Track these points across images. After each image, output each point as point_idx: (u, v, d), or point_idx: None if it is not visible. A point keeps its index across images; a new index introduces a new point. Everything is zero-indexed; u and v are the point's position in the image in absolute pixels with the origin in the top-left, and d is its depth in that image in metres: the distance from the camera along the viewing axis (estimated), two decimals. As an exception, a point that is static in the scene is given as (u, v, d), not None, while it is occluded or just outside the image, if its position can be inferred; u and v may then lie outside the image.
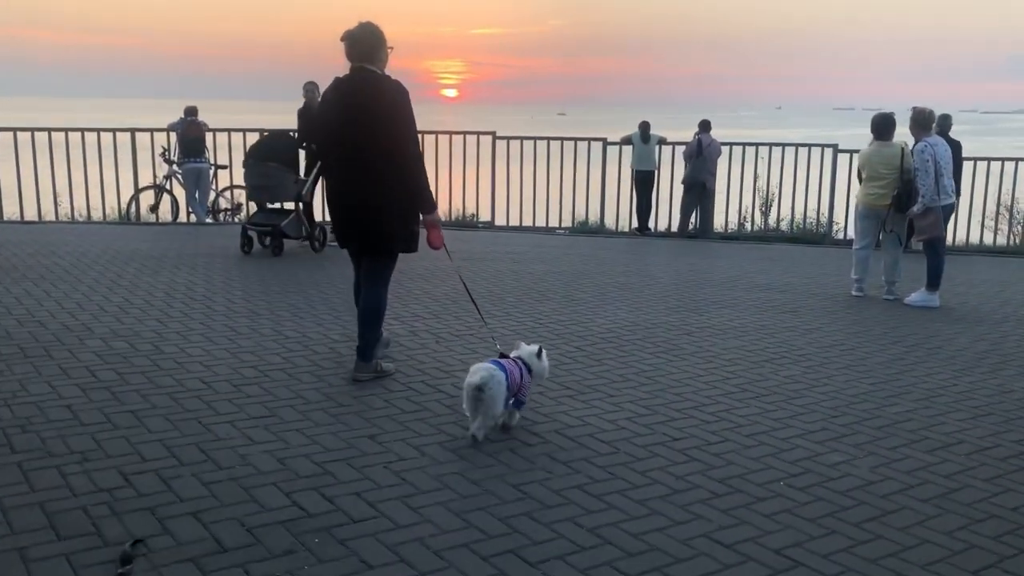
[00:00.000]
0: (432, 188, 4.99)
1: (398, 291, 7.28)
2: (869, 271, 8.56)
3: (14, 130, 12.21)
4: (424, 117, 5.41)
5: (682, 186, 13.33)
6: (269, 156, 9.54)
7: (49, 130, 12.30)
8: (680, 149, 13.52)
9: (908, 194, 8.07)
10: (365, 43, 4.80)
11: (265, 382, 5.00)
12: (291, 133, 10.49)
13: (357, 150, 4.77)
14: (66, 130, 12.41)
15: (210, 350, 5.57)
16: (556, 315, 7.02)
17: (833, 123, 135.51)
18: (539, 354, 4.53)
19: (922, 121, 8.17)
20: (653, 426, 4.56)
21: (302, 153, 10.02)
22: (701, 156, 12.98)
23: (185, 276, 7.99)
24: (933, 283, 8.16)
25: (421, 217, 4.97)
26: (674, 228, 13.62)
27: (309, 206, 10.03)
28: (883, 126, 8.41)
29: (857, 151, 13.23)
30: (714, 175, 13.14)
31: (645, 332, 6.55)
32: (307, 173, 9.80)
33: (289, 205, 9.86)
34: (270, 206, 9.96)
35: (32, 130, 12.22)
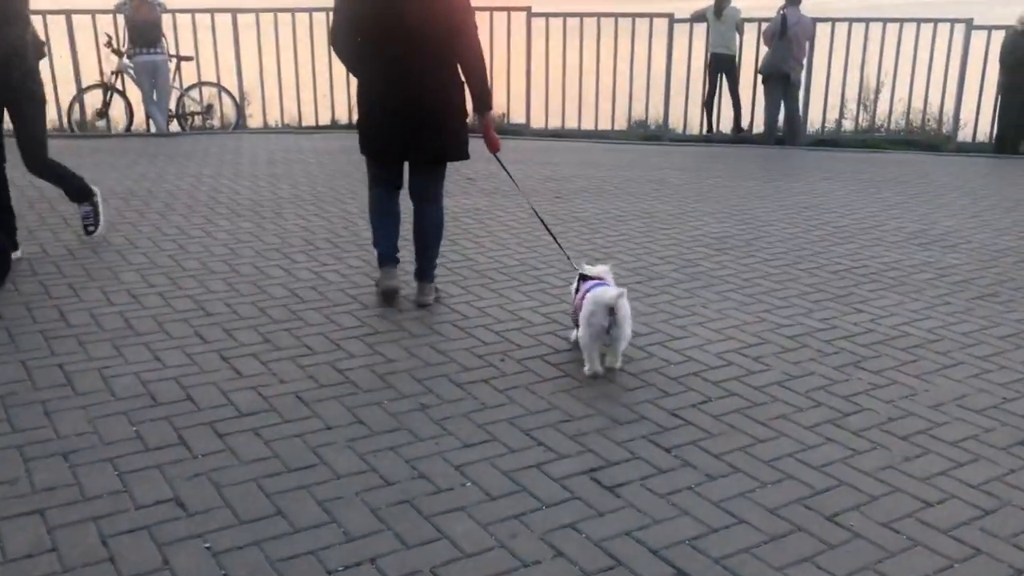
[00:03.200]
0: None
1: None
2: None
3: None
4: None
5: (760, 77, 10.41)
6: None
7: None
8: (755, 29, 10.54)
9: None
10: None
11: None
12: None
13: (407, 36, 3.99)
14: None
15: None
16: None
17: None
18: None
19: None
20: None
21: None
22: (785, 37, 9.94)
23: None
24: None
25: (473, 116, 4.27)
26: (757, 130, 10.80)
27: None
28: None
29: (1004, 27, 10.23)
30: (801, 63, 10.14)
31: (779, 359, 3.87)
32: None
33: None
34: None
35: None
